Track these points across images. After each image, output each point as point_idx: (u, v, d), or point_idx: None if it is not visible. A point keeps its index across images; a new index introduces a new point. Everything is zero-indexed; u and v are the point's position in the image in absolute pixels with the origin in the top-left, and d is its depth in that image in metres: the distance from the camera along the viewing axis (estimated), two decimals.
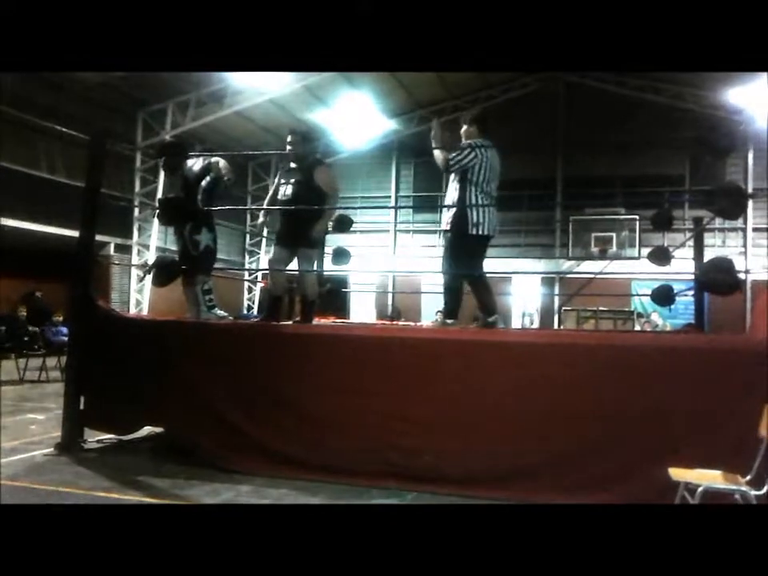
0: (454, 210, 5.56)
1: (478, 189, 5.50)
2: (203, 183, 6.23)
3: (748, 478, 3.44)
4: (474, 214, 5.47)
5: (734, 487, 3.39)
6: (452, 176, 5.68)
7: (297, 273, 6.16)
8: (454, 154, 5.53)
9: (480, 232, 5.47)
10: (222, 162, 6.27)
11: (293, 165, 6.13)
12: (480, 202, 5.49)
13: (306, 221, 5.89)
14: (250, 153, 6.46)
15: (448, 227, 5.65)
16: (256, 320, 6.82)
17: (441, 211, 5.93)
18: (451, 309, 5.72)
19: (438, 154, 5.67)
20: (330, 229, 6.46)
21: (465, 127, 5.72)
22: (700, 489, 3.29)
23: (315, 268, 6.20)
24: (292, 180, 6.05)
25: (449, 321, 5.66)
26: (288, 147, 6.06)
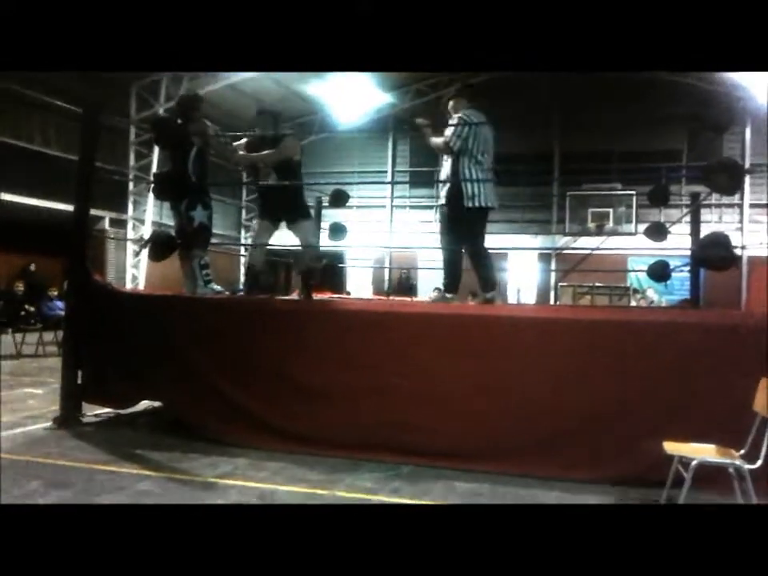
0: (450, 184, 5.55)
1: (471, 161, 5.49)
2: (191, 153, 6.08)
3: (742, 452, 3.47)
4: (469, 186, 5.45)
5: (728, 461, 3.42)
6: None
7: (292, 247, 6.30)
8: (449, 136, 5.50)
9: (476, 204, 5.46)
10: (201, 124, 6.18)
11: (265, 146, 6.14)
12: (474, 174, 5.46)
13: (296, 193, 6.14)
14: (245, 133, 6.47)
15: (444, 201, 5.66)
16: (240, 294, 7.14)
17: (437, 187, 5.96)
18: (451, 283, 5.72)
19: (435, 142, 5.68)
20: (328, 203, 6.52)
21: (451, 103, 5.74)
22: (694, 462, 3.32)
23: (312, 240, 6.26)
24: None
25: (448, 295, 5.67)
26: (258, 128, 6.21)
